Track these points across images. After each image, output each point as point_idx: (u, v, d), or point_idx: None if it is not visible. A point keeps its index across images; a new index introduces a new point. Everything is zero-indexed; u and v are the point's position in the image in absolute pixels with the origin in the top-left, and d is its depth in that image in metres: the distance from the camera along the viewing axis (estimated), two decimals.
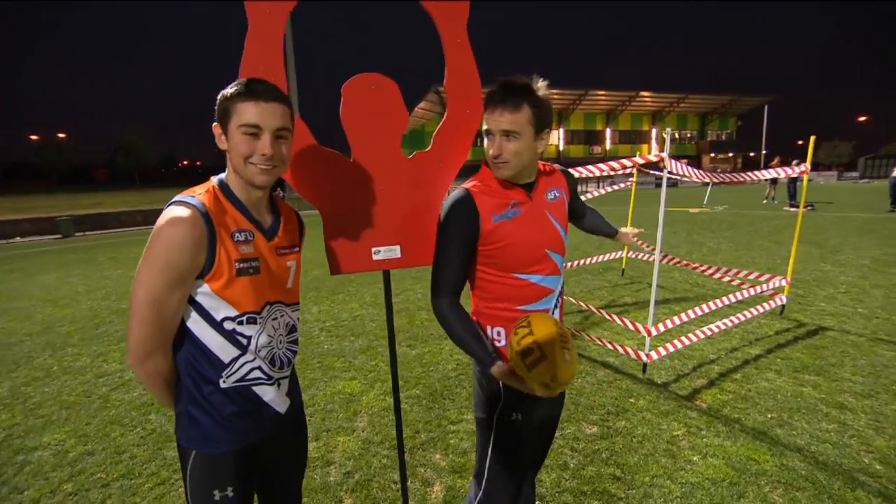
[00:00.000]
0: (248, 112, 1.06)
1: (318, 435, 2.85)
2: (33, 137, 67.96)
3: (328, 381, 3.63)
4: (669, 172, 3.11)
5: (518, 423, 1.38)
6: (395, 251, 1.53)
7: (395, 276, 7.35)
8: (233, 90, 1.08)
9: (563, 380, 1.09)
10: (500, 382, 1.34)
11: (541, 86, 1.25)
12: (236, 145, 1.08)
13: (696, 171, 3.49)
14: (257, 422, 1.21)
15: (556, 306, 1.40)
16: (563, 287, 1.43)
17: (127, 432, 3.02)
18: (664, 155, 3.00)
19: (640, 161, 3.31)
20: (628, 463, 2.44)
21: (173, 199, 1.08)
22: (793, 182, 15.67)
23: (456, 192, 1.35)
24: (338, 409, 3.17)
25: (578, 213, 1.69)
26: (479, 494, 1.45)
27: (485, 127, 1.28)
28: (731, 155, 59.71)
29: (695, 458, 2.45)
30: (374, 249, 1.51)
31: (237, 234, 1.11)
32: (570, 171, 1.64)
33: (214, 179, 1.16)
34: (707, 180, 4.08)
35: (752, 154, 58.58)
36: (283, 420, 1.27)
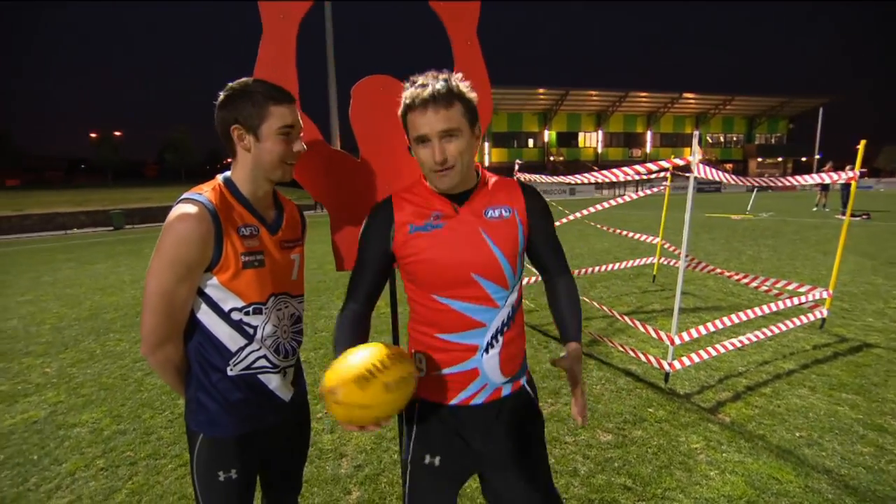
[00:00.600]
0: (285, 115, 1.15)
1: (333, 427, 2.92)
2: (92, 135, 72.28)
3: None
4: (697, 176, 3.00)
5: (428, 469, 1.21)
6: None
7: None
8: (259, 93, 1.13)
9: (342, 398, 0.95)
10: (416, 407, 1.24)
11: (457, 76, 1.10)
12: (271, 147, 1.15)
13: (726, 175, 3.35)
14: (262, 408, 1.26)
15: (490, 346, 1.16)
16: (507, 327, 1.18)
17: (156, 415, 3.19)
18: (690, 158, 2.91)
19: (666, 164, 3.21)
20: (641, 474, 2.38)
21: (182, 197, 1.14)
22: (846, 189, 14.76)
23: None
24: None
25: (545, 267, 1.29)
26: None
27: (415, 134, 1.08)
28: (780, 160, 56.79)
29: (712, 474, 2.36)
30: None
31: (242, 229, 1.17)
32: (534, 187, 1.26)
33: (220, 178, 1.22)
34: (746, 184, 3.92)
35: (803, 159, 55.50)
36: (288, 407, 1.32)
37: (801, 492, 2.22)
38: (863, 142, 4.19)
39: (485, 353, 1.16)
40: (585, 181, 4.52)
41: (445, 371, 1.18)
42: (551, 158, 49.85)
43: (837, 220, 13.97)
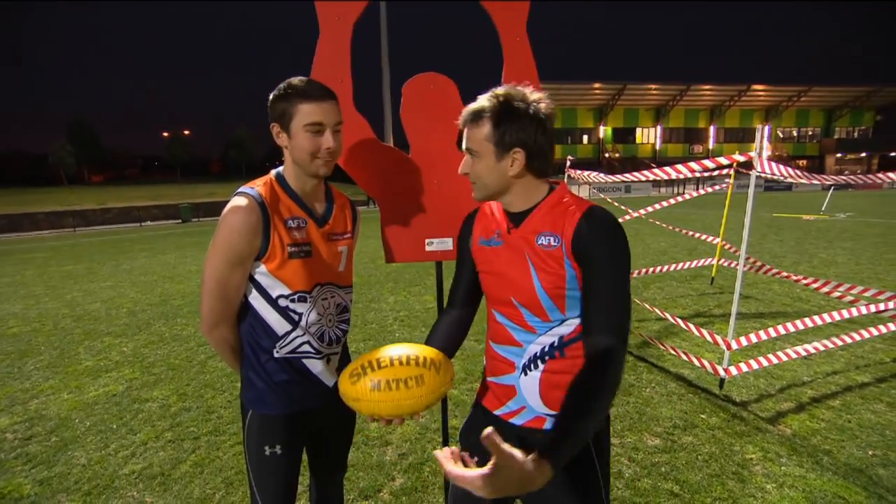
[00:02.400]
0: (312, 112, 1.18)
1: None
2: (164, 134, 77.80)
3: None
4: (761, 173, 2.82)
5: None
6: (447, 243, 1.59)
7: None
8: (290, 92, 1.18)
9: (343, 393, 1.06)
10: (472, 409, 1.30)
11: (516, 95, 1.01)
12: (301, 143, 1.20)
13: (794, 171, 3.12)
14: (306, 391, 1.33)
15: (526, 369, 1.10)
16: (550, 356, 1.08)
17: (217, 395, 3.42)
18: (752, 154, 2.74)
19: (725, 161, 3.04)
20: (689, 481, 2.29)
21: (237, 191, 1.22)
22: None
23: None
24: None
25: (582, 314, 1.03)
26: None
27: (465, 146, 1.07)
28: (863, 155, 51.85)
29: (769, 487, 2.24)
30: (427, 241, 1.58)
31: (290, 221, 1.24)
32: (605, 212, 1.03)
33: (273, 172, 1.30)
34: (818, 182, 3.64)
35: (892, 154, 50.31)
36: (332, 393, 1.39)
37: None
38: None
39: (522, 374, 1.12)
40: (639, 179, 4.35)
41: (491, 379, 1.21)
42: (606, 155, 48.29)
43: None
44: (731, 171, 5.68)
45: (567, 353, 1.08)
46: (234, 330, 1.29)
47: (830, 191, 18.87)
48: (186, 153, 75.89)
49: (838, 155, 51.46)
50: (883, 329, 3.85)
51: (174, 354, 4.32)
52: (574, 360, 1.07)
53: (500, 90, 1.02)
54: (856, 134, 52.96)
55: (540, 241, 1.05)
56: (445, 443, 1.86)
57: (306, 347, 1.31)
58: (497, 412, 1.18)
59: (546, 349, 1.08)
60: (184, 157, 75.09)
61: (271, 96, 1.21)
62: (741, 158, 2.95)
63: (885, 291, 4.19)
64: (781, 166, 2.85)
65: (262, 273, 1.23)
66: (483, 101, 1.02)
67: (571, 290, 1.03)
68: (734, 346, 3.11)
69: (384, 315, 5.36)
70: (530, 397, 1.12)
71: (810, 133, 52.78)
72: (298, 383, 1.31)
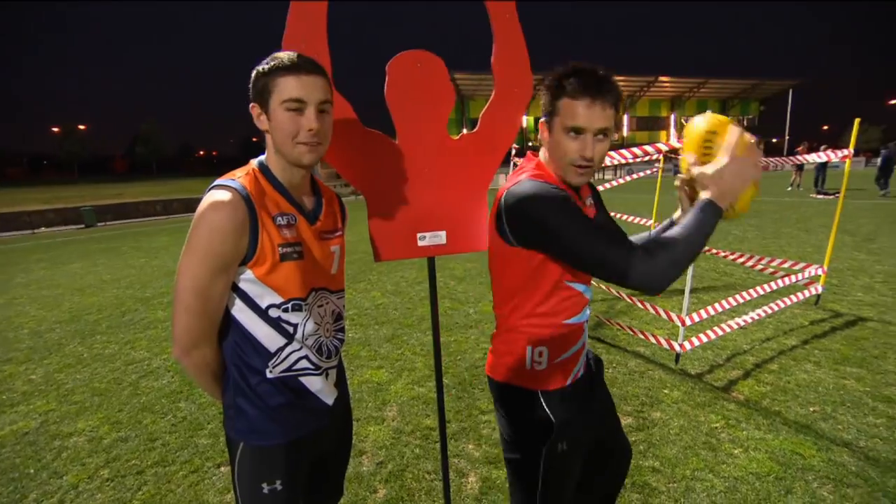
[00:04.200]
0: (291, 86, 1.00)
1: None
2: (55, 129, 69.02)
3: (355, 370, 3.62)
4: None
5: (567, 454, 1.19)
6: (440, 237, 1.47)
7: (415, 264, 7.32)
8: (271, 65, 1.01)
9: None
10: (548, 407, 1.19)
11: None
12: (280, 123, 1.02)
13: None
14: (305, 413, 1.17)
15: (586, 323, 1.28)
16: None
17: (158, 419, 3.05)
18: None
19: (665, 148, 3.18)
20: (667, 455, 2.37)
21: (214, 183, 1.03)
22: (822, 168, 15.16)
23: (541, 182, 1.11)
24: (367, 398, 3.15)
25: None
26: None
27: (571, 123, 1.06)
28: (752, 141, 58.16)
29: (736, 452, 2.38)
30: (419, 235, 1.45)
31: (279, 218, 1.07)
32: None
33: (254, 162, 1.11)
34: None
35: (774, 140, 56.91)
36: (332, 411, 1.23)
37: (826, 465, 2.24)
38: (857, 120, 4.25)
39: (587, 328, 1.27)
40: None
41: (566, 355, 1.21)
42: (529, 144, 49.92)
43: (812, 198, 14.38)
44: (661, 157, 6.04)
45: None
46: (216, 350, 1.09)
47: None
48: (85, 150, 68.09)
49: None
50: (800, 296, 4.28)
51: (98, 377, 3.80)
52: None
53: (599, 67, 1.09)
54: (745, 122, 59.15)
55: (587, 202, 1.27)
56: (443, 446, 1.75)
57: (304, 363, 1.14)
58: (569, 381, 1.23)
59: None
60: (81, 155, 67.33)
61: (253, 73, 1.02)
62: (678, 144, 3.09)
63: (798, 262, 4.65)
64: None
65: (248, 280, 1.05)
66: (611, 80, 1.08)
67: None
68: (688, 321, 3.28)
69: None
70: (586, 343, 1.30)
71: None
72: (297, 406, 1.14)
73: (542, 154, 1.21)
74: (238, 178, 1.04)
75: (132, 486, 2.39)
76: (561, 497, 1.22)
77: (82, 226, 20.61)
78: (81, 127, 74.64)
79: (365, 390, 3.26)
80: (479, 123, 1.44)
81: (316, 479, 1.32)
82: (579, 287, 1.19)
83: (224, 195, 0.99)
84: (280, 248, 1.06)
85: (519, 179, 1.14)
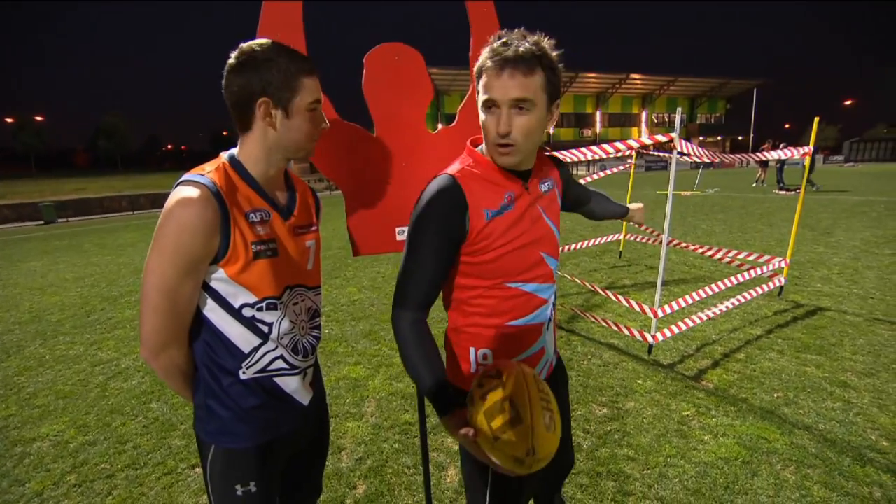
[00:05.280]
0: (314, 88, 1.04)
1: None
2: (8, 120, 65.38)
3: (332, 366, 3.59)
4: (680, 153, 3.06)
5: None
6: None
7: (391, 258, 7.29)
8: (288, 61, 1.00)
9: (541, 454, 0.87)
10: None
11: (549, 43, 0.98)
12: (302, 124, 1.04)
13: (706, 151, 3.44)
14: (280, 415, 1.15)
15: (549, 321, 1.18)
16: (555, 298, 1.21)
17: (129, 421, 2.95)
18: (674, 135, 2.95)
19: (649, 142, 3.25)
20: (641, 444, 2.44)
21: (181, 179, 0.99)
22: (782, 165, 15.80)
23: (438, 178, 1.05)
24: (344, 394, 3.13)
25: (582, 200, 1.44)
26: None
27: (484, 97, 0.97)
28: (719, 138, 59.99)
29: (706, 438, 2.46)
30: (398, 229, 1.45)
31: (252, 215, 1.04)
32: (557, 155, 1.33)
33: (224, 156, 1.07)
34: (713, 161, 4.05)
35: (740, 138, 58.90)
36: (308, 411, 1.22)
37: (789, 448, 2.35)
38: (816, 119, 4.43)
39: (546, 330, 1.17)
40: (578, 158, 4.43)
41: (518, 358, 1.13)
42: None
43: (775, 194, 14.96)
44: (633, 153, 6.17)
45: (556, 301, 1.23)
46: (186, 351, 1.06)
47: (700, 169, 21.48)
48: (42, 143, 64.84)
49: (701, 138, 58.92)
50: (765, 288, 4.46)
51: (62, 379, 3.65)
52: (554, 305, 1.22)
53: (525, 34, 0.97)
54: (712, 120, 61.02)
55: (543, 189, 1.14)
56: (424, 443, 1.75)
57: (279, 364, 1.12)
58: None
59: (555, 297, 1.20)
60: (39, 148, 64.10)
61: (246, 59, 0.99)
62: (663, 139, 3.17)
63: (763, 255, 4.84)
64: (697, 147, 3.12)
65: (220, 279, 1.01)
66: (527, 45, 0.93)
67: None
68: (660, 313, 3.37)
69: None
70: (549, 347, 1.21)
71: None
72: (272, 407, 1.12)
73: None
74: (207, 173, 1.01)
75: (101, 490, 2.31)
76: (505, 497, 1.17)
77: (41, 222, 19.70)
78: (38, 118, 71.03)
79: (343, 386, 3.24)
80: (457, 117, 1.44)
81: (293, 478, 1.30)
82: (527, 287, 1.10)
83: (193, 191, 0.95)
84: (253, 246, 1.03)
85: (438, 173, 1.09)
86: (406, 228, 1.45)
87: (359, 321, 4.61)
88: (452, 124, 1.45)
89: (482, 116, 1.00)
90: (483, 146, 1.09)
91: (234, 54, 1.01)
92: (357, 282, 6.18)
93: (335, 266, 7.16)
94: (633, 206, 1.65)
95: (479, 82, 0.99)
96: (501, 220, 1.04)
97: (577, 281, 4.84)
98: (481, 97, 0.98)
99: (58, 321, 5.23)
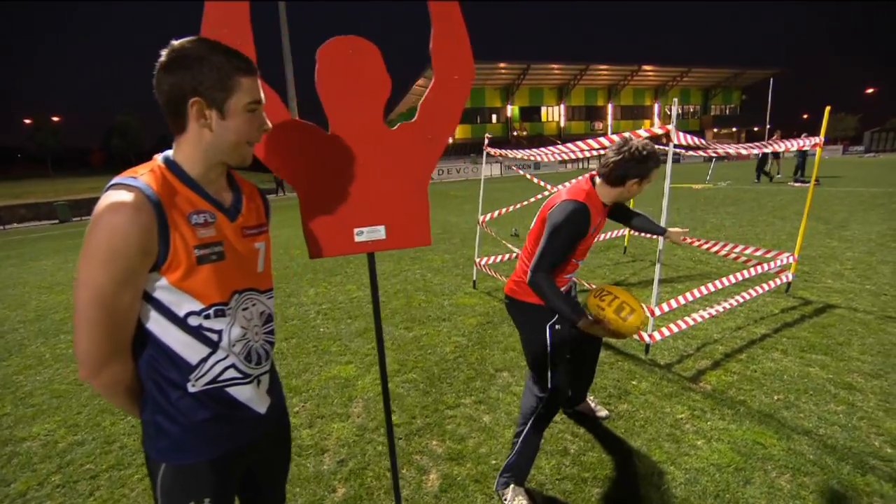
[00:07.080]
0: (253, 87, 0.99)
1: (313, 422, 2.78)
2: (27, 121, 66.62)
3: (323, 365, 3.56)
4: (676, 145, 2.95)
5: (563, 330, 1.97)
6: (379, 232, 1.41)
7: (392, 256, 7.25)
8: (223, 59, 0.94)
9: (644, 323, 1.94)
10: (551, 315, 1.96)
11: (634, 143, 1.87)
12: (240, 125, 0.98)
13: (704, 142, 3.32)
14: (235, 426, 1.09)
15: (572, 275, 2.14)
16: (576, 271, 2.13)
17: (118, 421, 2.96)
18: (670, 127, 2.85)
19: (645, 135, 3.14)
20: (631, 449, 2.36)
21: (111, 182, 0.93)
22: (801, 155, 15.36)
23: (575, 203, 1.82)
24: (332, 394, 3.10)
25: (627, 216, 2.34)
26: (543, 394, 2.01)
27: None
28: (734, 130, 58.77)
29: (699, 443, 2.38)
30: (356, 230, 1.39)
31: (194, 217, 0.98)
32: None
33: (159, 158, 1.01)
34: (712, 154, 3.92)
35: (756, 129, 57.61)
36: (265, 421, 1.16)
37: (785, 455, 2.25)
38: (828, 108, 4.26)
39: (571, 274, 2.14)
40: (574, 155, 4.28)
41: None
42: (514, 133, 49.83)
43: (790, 187, 14.58)
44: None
45: None
46: (129, 367, 1.00)
47: (713, 162, 21.05)
48: (58, 143, 66.06)
49: (715, 130, 57.82)
50: (772, 284, 4.32)
51: (59, 378, 3.68)
52: None
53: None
54: (727, 111, 59.80)
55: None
56: (391, 442, 1.70)
57: (231, 373, 1.06)
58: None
59: None
60: (55, 148, 65.34)
61: (176, 57, 0.93)
62: (659, 131, 3.06)
63: (771, 250, 4.69)
64: (696, 139, 3.00)
65: (162, 287, 0.96)
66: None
67: None
68: (658, 312, 3.27)
69: (305, 309, 5.01)
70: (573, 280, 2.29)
71: (692, 110, 58.67)
72: (225, 418, 1.07)
73: None
74: (140, 175, 0.95)
75: (84, 491, 2.31)
76: (562, 357, 1.98)
77: (56, 221, 20.09)
78: (55, 118, 72.32)
79: (332, 386, 3.20)
80: (417, 113, 1.37)
81: (253, 490, 1.26)
82: (580, 261, 2.04)
83: (124, 195, 0.89)
84: (196, 250, 0.97)
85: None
86: (365, 229, 1.40)
87: (354, 319, 4.58)
88: (413, 120, 1.38)
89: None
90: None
91: (164, 52, 0.95)
92: (357, 279, 6.15)
93: (337, 263, 7.15)
94: (673, 229, 2.49)
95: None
96: (594, 233, 1.98)
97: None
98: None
99: (61, 319, 5.29)
